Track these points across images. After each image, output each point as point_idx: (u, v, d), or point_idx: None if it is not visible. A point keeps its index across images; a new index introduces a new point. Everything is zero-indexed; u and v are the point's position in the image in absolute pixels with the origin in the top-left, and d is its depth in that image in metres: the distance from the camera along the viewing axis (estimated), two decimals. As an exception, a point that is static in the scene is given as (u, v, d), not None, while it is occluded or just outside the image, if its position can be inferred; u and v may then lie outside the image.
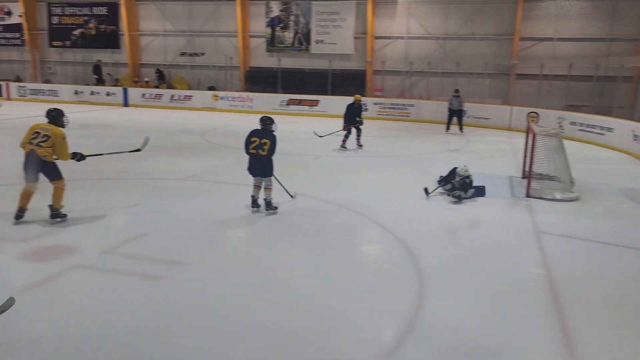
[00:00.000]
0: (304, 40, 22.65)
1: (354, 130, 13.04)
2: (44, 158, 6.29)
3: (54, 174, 6.47)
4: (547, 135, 9.23)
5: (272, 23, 22.97)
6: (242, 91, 22.96)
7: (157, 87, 23.83)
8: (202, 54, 24.28)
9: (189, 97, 22.56)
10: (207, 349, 3.82)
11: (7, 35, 26.75)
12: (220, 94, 22.31)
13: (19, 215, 6.41)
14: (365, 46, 21.78)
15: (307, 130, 16.62)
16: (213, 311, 4.39)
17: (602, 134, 14.76)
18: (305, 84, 22.45)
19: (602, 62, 17.69)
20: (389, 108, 20.36)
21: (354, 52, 22.14)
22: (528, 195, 8.50)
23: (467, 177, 8.32)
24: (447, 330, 4.18)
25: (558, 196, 8.44)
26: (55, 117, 6.61)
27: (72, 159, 6.57)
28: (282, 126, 17.26)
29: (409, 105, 20.11)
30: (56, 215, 6.51)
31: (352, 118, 12.99)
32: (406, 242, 6.22)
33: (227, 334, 4.02)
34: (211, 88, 23.60)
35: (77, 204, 7.35)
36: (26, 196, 6.45)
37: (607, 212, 8.03)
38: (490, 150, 13.64)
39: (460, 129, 16.71)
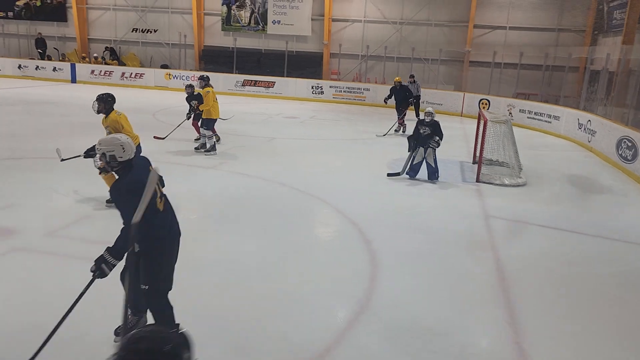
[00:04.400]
0: (260, 20, 22.28)
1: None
2: None
3: None
4: (498, 122, 9.47)
5: (228, 1, 22.45)
6: (197, 70, 22.41)
7: (106, 63, 22.94)
8: (155, 31, 23.49)
9: (141, 75, 21.83)
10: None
11: (-58, 3, 25.01)
12: (173, 72, 21.69)
13: None
14: (322, 28, 21.64)
15: (261, 111, 16.44)
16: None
17: (549, 122, 15.28)
18: (261, 65, 22.14)
19: (551, 51, 18.26)
20: (344, 91, 20.37)
21: (311, 34, 21.96)
22: (478, 180, 8.71)
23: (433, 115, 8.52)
24: (398, 312, 4.24)
25: (507, 181, 8.69)
26: None
27: None
28: (237, 107, 17.07)
29: (364, 89, 20.18)
30: None
31: (403, 100, 13.32)
32: (359, 224, 6.26)
33: (176, 318, 3.93)
34: (164, 66, 22.92)
35: (19, 184, 7.02)
36: None
37: (552, 197, 8.34)
38: (444, 137, 13.87)
39: (417, 114, 16.87)
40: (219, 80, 21.20)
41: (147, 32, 23.61)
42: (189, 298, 4.23)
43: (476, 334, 4.11)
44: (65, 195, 6.87)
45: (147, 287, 3.34)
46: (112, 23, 23.85)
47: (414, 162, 8.52)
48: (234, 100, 19.17)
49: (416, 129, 8.53)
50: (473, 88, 19.49)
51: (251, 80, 21.05)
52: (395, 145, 11.49)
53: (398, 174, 8.60)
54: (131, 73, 21.92)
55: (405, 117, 13.59)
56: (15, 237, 5.22)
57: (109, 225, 5.71)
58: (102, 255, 3.19)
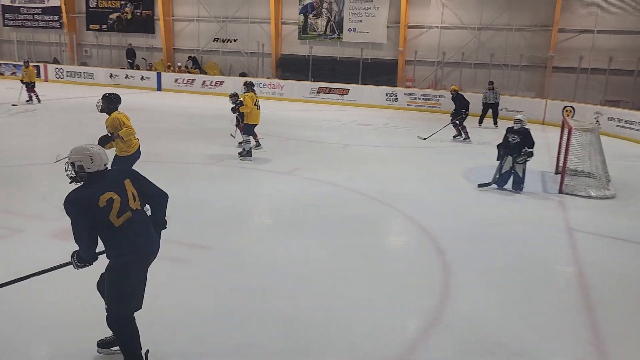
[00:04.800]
0: (336, 28, 22.49)
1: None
2: None
3: None
4: (584, 130, 8.95)
5: (305, 10, 22.86)
6: (273, 78, 22.97)
7: (188, 72, 24.06)
8: (235, 40, 24.36)
9: (221, 83, 22.69)
10: (224, 333, 3.84)
11: (46, 17, 27.33)
12: (251, 80, 22.35)
13: None
14: (398, 35, 21.48)
15: (336, 118, 16.56)
16: (232, 297, 4.41)
17: (642, 131, 14.26)
18: (336, 72, 22.32)
19: (645, 56, 17.05)
20: (419, 99, 20.07)
21: (386, 41, 21.87)
22: (561, 192, 8.27)
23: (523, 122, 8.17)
24: (471, 325, 4.10)
25: (593, 193, 8.19)
26: None
27: None
28: (312, 114, 17.30)
29: (440, 96, 19.77)
30: None
31: (457, 109, 13.18)
32: (432, 234, 6.13)
33: (243, 321, 4.02)
34: (242, 74, 23.70)
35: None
36: None
37: (643, 211, 7.76)
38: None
39: (495, 123, 16.30)
40: (295, 87, 21.62)
41: (227, 42, 24.53)
42: (258, 301, 4.32)
43: (556, 355, 3.89)
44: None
45: (106, 306, 3.22)
46: (195, 34, 25.00)
47: (503, 171, 8.23)
48: (309, 107, 19.46)
49: (505, 137, 8.25)
50: (556, 95, 18.57)
51: (326, 88, 21.27)
52: (473, 155, 11.18)
53: (489, 184, 8.33)
54: (212, 81, 22.84)
55: (461, 123, 13.12)
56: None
57: (196, 226, 5.98)
58: (76, 252, 3.19)
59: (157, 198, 3.49)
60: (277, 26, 23.34)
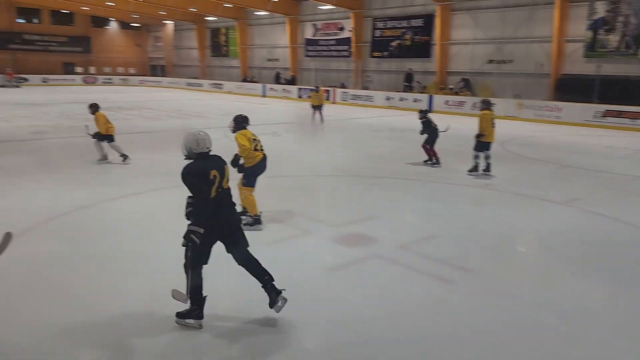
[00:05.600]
0: (632, 43, 19.73)
1: None
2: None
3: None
4: None
5: (595, 26, 20.70)
6: (550, 100, 21.41)
7: (456, 93, 24.25)
8: (510, 61, 23.58)
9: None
10: (489, 361, 3.77)
11: (339, 48, 31.09)
12: (525, 102, 21.30)
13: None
14: None
15: (625, 146, 14.52)
16: (496, 326, 4.29)
17: None
18: (629, 93, 19.53)
19: None
20: None
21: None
22: None
23: None
24: None
25: None
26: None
27: None
28: (595, 140, 15.52)
29: None
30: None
31: None
32: None
33: (510, 354, 3.88)
34: (516, 96, 22.73)
35: (378, 199, 8.13)
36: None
37: None
38: None
39: None
40: (576, 110, 19.74)
41: (502, 63, 23.90)
42: (531, 339, 4.11)
43: None
44: (415, 214, 7.59)
45: (186, 250, 3.92)
46: (469, 56, 25.10)
47: None
48: (592, 132, 17.53)
49: None
50: None
51: (615, 111, 18.80)
52: None
53: None
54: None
55: None
56: (375, 245, 6.06)
57: (461, 247, 6.06)
58: (188, 229, 3.79)
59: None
60: (559, 44, 21.71)
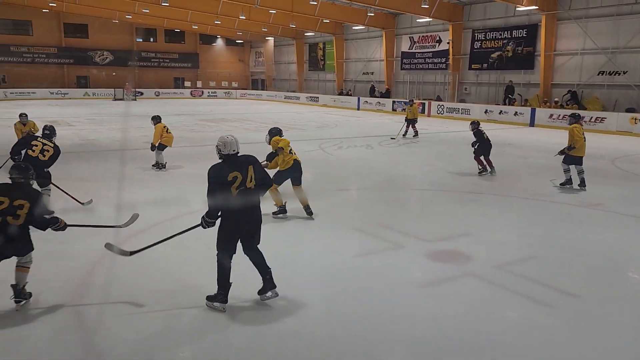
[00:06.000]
0: None
1: None
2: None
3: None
4: None
5: None
6: (671, 114, 19.58)
7: (562, 106, 22.86)
8: (624, 73, 21.89)
9: (602, 119, 20.72)
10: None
11: (435, 60, 30.65)
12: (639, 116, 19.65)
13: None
14: None
15: None
16: (599, 357, 4.01)
17: None
18: None
19: None
20: None
21: None
22: None
23: None
24: None
25: None
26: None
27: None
28: None
29: None
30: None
31: None
32: None
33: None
34: (630, 110, 21.04)
35: (474, 215, 7.90)
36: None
37: None
38: None
39: None
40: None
41: (614, 75, 22.27)
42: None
43: None
44: (513, 232, 7.29)
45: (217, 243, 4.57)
46: (577, 67, 23.65)
47: None
48: None
49: None
50: None
51: None
52: None
53: None
54: (591, 117, 21.07)
55: None
56: (468, 263, 5.90)
57: (563, 270, 5.73)
58: (203, 216, 4.50)
59: (261, 182, 4.65)
60: (683, 54, 19.84)
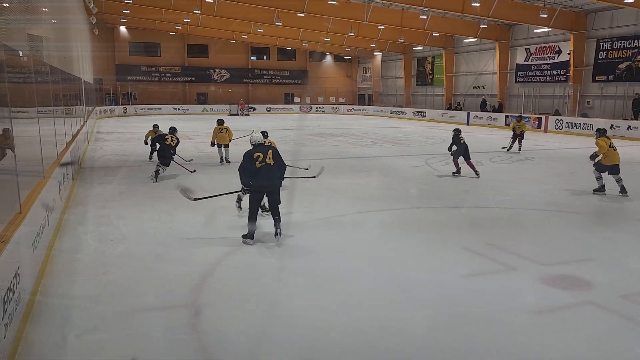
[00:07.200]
0: None
1: None
2: None
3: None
4: None
5: None
6: None
7: None
8: None
9: None
10: None
11: (554, 72, 28.85)
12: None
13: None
14: None
15: None
16: None
17: None
18: None
19: None
20: None
21: None
22: None
23: None
24: None
25: None
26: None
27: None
28: None
29: None
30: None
31: None
32: None
33: None
34: None
35: (597, 239, 7.23)
36: None
37: None
38: None
39: None
40: None
41: None
42: None
43: None
44: (645, 260, 6.57)
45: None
46: None
47: None
48: None
49: None
50: None
51: None
52: None
53: None
54: None
55: None
56: (589, 291, 5.39)
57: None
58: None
59: (279, 166, 6.86)
60: None
